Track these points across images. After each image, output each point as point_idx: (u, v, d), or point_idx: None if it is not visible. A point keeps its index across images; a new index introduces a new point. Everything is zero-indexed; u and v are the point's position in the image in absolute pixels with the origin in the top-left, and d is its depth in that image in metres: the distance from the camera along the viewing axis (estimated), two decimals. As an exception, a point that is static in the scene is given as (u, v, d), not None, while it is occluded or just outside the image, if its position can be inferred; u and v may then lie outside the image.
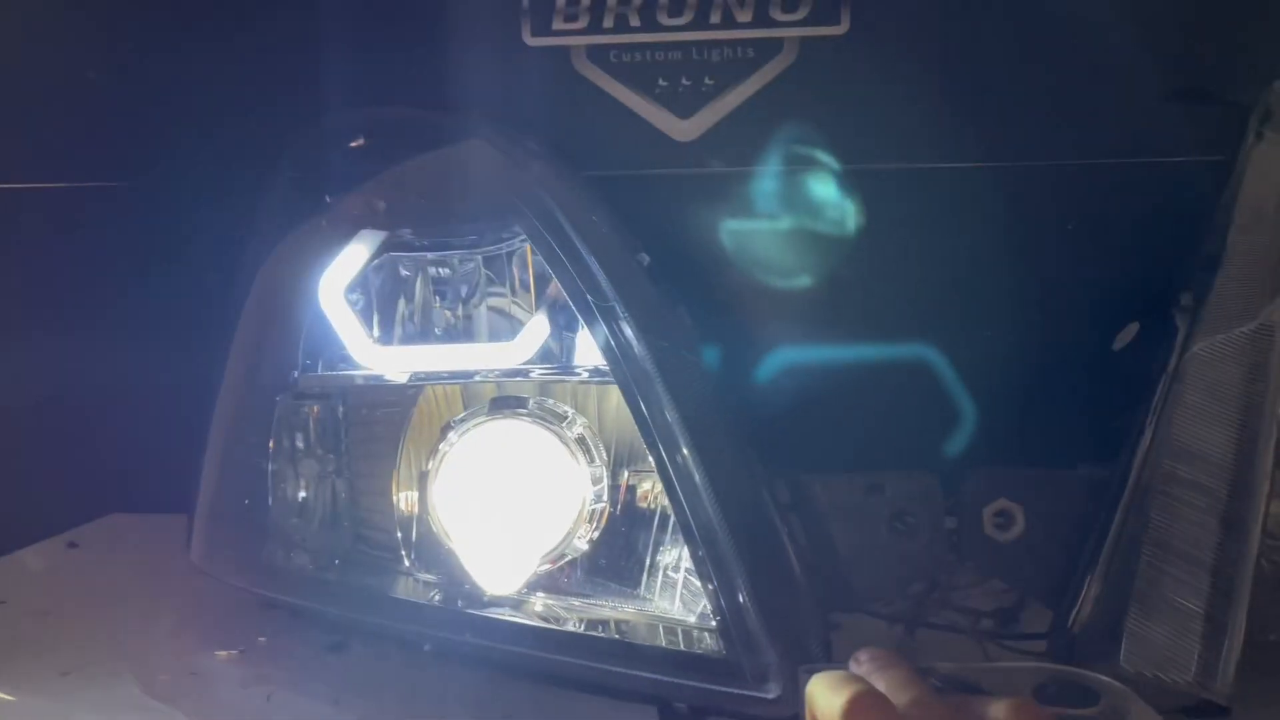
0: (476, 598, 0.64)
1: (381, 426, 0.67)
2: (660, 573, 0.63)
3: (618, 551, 0.63)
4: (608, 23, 1.14)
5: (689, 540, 0.57)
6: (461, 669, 0.67)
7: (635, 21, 1.13)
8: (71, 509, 1.11)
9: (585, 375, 0.64)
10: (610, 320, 0.60)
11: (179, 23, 1.08)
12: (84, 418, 1.15)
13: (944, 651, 0.64)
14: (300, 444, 0.70)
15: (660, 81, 1.14)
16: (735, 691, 0.55)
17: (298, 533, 0.70)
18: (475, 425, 0.62)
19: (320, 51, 1.12)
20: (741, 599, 0.55)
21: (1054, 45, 1.02)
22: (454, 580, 0.65)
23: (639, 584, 0.63)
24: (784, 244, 1.11)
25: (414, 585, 0.66)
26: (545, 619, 0.61)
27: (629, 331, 0.59)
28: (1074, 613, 0.59)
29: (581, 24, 1.14)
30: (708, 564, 0.56)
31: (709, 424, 0.59)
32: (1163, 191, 0.86)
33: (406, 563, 0.66)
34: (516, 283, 0.73)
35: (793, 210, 1.12)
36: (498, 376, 0.66)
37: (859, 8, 1.09)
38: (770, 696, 0.55)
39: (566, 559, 0.64)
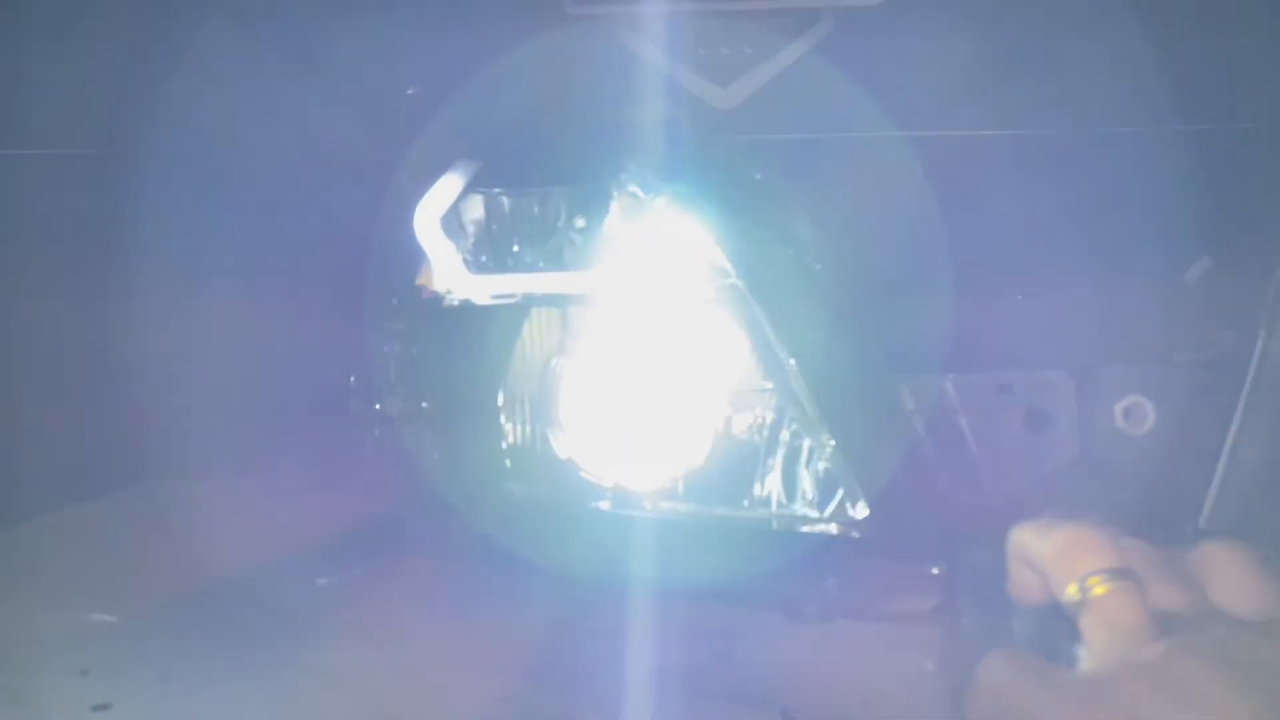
0: (597, 502, 0.64)
1: (485, 351, 0.67)
2: (780, 476, 0.64)
3: (739, 458, 0.64)
4: (649, -9, 1.15)
5: (834, 434, 0.57)
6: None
7: (676, -10, 1.15)
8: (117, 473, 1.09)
9: (708, 292, 0.64)
10: (738, 231, 0.61)
11: None
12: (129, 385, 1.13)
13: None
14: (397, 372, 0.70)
15: (700, 50, 1.16)
16: (895, 570, 0.56)
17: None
18: (593, 343, 0.62)
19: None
20: (896, 481, 0.56)
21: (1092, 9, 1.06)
22: (572, 491, 0.65)
23: (762, 487, 0.64)
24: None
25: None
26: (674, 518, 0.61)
27: (759, 238, 0.60)
28: (1201, 506, 0.61)
29: (623, -7, 1.16)
30: (856, 453, 0.56)
31: (841, 324, 0.60)
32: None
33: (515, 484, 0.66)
34: (610, 214, 0.73)
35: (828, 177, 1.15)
36: (604, 299, 0.67)
37: (893, -20, 1.12)
38: (934, 572, 0.56)
39: (691, 468, 0.64)
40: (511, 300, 0.68)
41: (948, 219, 0.92)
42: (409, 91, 0.76)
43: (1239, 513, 0.58)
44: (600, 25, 1.16)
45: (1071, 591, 0.49)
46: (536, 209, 0.74)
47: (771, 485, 0.64)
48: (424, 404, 0.71)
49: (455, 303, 0.69)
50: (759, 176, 0.65)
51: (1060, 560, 0.50)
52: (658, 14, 1.17)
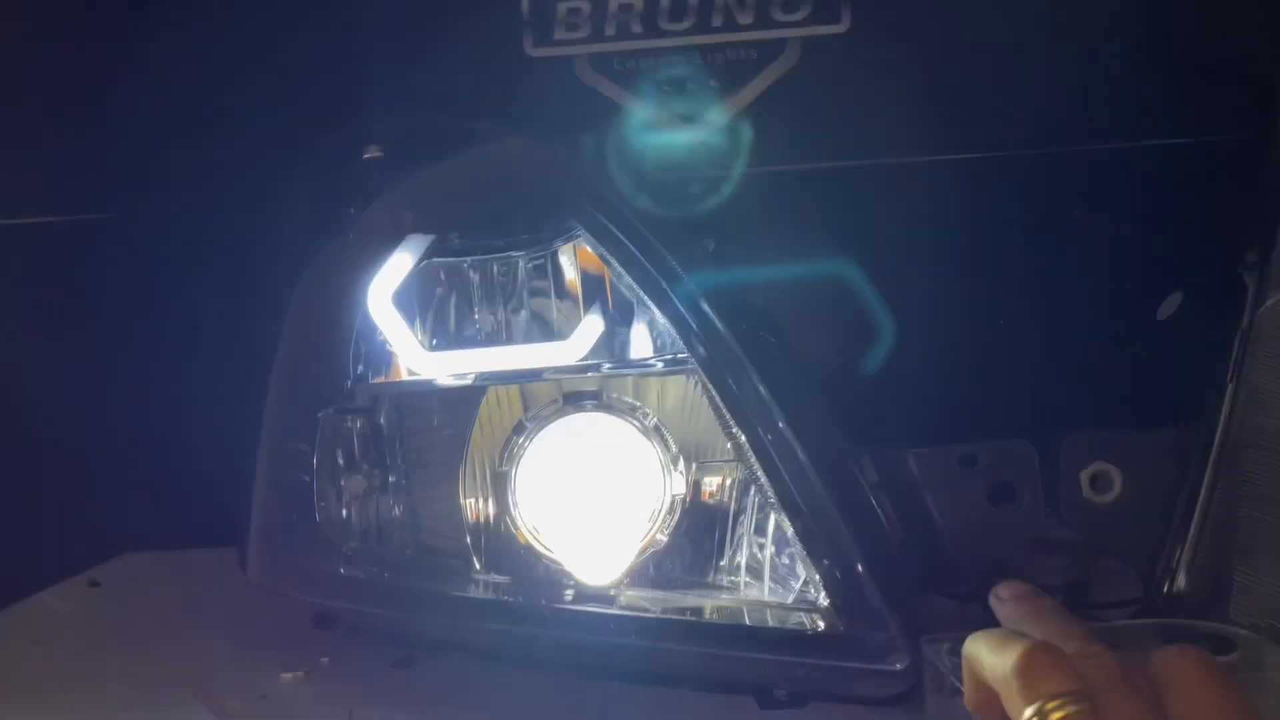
0: (560, 595, 0.63)
1: (443, 432, 0.65)
2: (744, 558, 0.62)
3: (699, 539, 0.62)
4: (610, 30, 1.14)
5: (794, 517, 0.56)
6: (534, 674, 0.65)
7: (637, 28, 1.13)
8: (84, 549, 1.08)
9: (660, 366, 0.63)
10: (688, 303, 0.59)
11: (179, 33, 1.07)
12: (91, 457, 1.12)
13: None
14: (355, 455, 0.68)
15: (665, 87, 1.14)
16: (858, 667, 0.54)
17: (358, 543, 0.68)
18: (552, 420, 0.60)
19: (320, 66, 1.11)
20: (860, 570, 0.54)
21: (1062, 30, 1.04)
22: (534, 580, 0.63)
23: (723, 571, 0.62)
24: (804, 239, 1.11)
25: (489, 587, 0.65)
26: (638, 609, 0.60)
27: (709, 312, 0.58)
28: (1171, 572, 0.58)
29: (584, 33, 1.14)
30: (818, 539, 0.55)
31: (797, 399, 0.58)
32: (1186, 171, 0.87)
33: (478, 566, 0.64)
34: (565, 282, 0.72)
35: (808, 207, 1.13)
36: (563, 373, 0.65)
37: (859, 5, 1.10)
38: (897, 668, 0.54)
39: (652, 550, 0.62)
40: (467, 381, 0.66)
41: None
42: (366, 155, 0.75)
43: (1210, 578, 0.56)
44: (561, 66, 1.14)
45: (1029, 716, 0.47)
46: (492, 278, 0.73)
47: (735, 569, 0.62)
48: (389, 480, 0.69)
49: (414, 382, 0.67)
50: (711, 247, 0.63)
51: (1016, 681, 0.48)
52: (620, 51, 1.16)
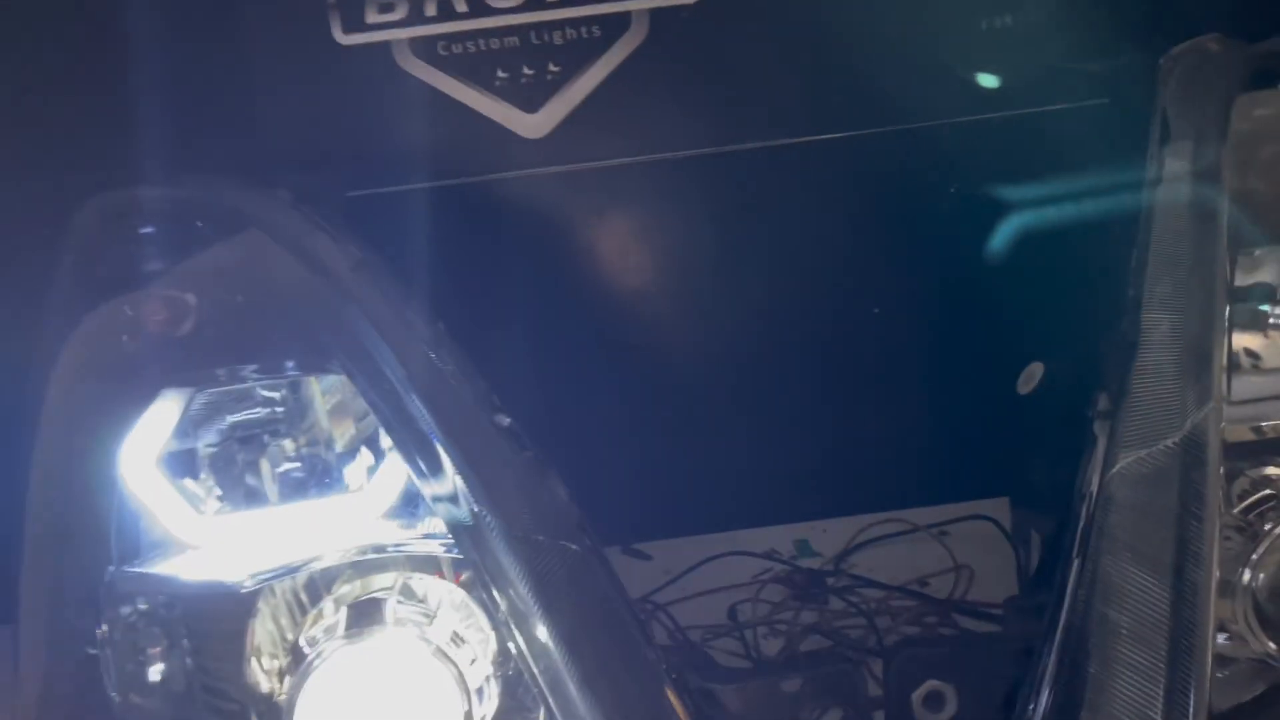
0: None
1: (220, 637, 0.57)
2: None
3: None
4: (430, 10, 1.01)
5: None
6: None
7: (462, 7, 1.00)
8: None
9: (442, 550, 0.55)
10: (455, 512, 0.50)
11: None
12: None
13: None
14: (129, 649, 0.60)
15: (499, 73, 1.02)
16: None
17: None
18: (331, 651, 0.52)
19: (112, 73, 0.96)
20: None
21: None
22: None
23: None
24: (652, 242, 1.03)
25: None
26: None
27: (486, 529, 0.50)
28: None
29: (400, 14, 1.01)
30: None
31: (604, 618, 0.51)
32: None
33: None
34: (339, 423, 0.63)
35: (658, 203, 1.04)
36: (343, 560, 0.57)
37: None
38: None
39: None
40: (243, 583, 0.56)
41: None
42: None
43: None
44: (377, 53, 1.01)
45: None
46: (263, 417, 0.63)
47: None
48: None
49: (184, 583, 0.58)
50: (507, 421, 0.54)
51: None
52: (445, 34, 1.03)
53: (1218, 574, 0.50)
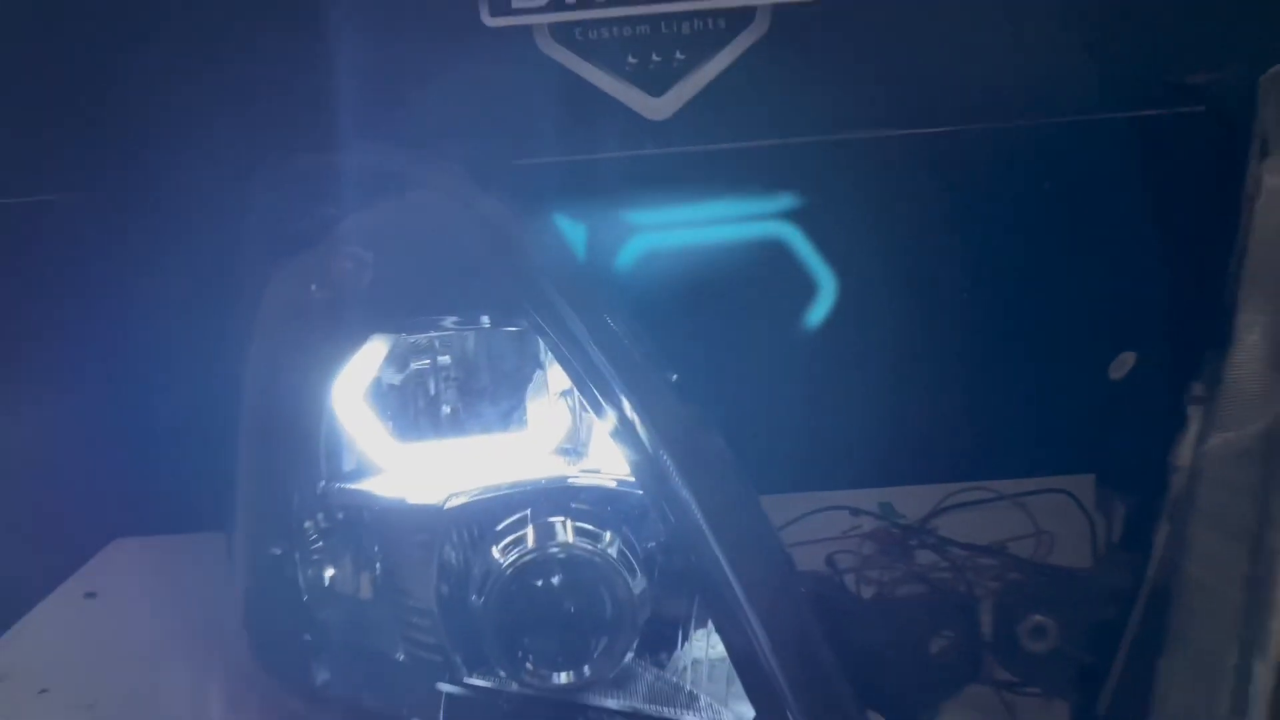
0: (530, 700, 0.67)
1: (414, 548, 0.68)
2: (702, 675, 0.66)
3: (660, 657, 0.66)
4: (571, -1, 1.09)
5: (738, 661, 0.59)
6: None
7: (600, -4, 1.08)
8: (76, 536, 1.13)
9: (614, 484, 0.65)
10: (638, 448, 0.60)
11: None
12: (82, 448, 1.15)
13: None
14: (336, 555, 0.71)
15: (630, 58, 1.10)
16: None
17: (340, 635, 0.72)
18: (521, 562, 0.62)
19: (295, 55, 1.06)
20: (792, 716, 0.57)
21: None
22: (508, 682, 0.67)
23: (680, 690, 0.66)
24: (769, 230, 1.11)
25: (467, 694, 0.69)
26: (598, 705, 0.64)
27: (664, 458, 0.60)
28: (1102, 706, 0.63)
29: (543, 1, 1.09)
30: (757, 682, 0.58)
31: (747, 538, 0.60)
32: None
33: (459, 662, 0.68)
34: (521, 369, 0.73)
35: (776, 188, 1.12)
36: (530, 488, 0.67)
37: (832, -28, 1.06)
38: None
39: (611, 668, 0.66)
40: (438, 500, 0.67)
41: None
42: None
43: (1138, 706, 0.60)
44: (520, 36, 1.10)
45: None
46: (450, 364, 0.73)
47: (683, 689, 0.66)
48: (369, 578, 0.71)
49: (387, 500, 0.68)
50: (674, 377, 0.63)
51: None
52: (582, 21, 1.11)
53: None
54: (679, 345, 0.76)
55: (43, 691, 0.87)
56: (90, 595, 1.03)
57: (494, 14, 1.09)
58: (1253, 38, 0.96)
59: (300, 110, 1.04)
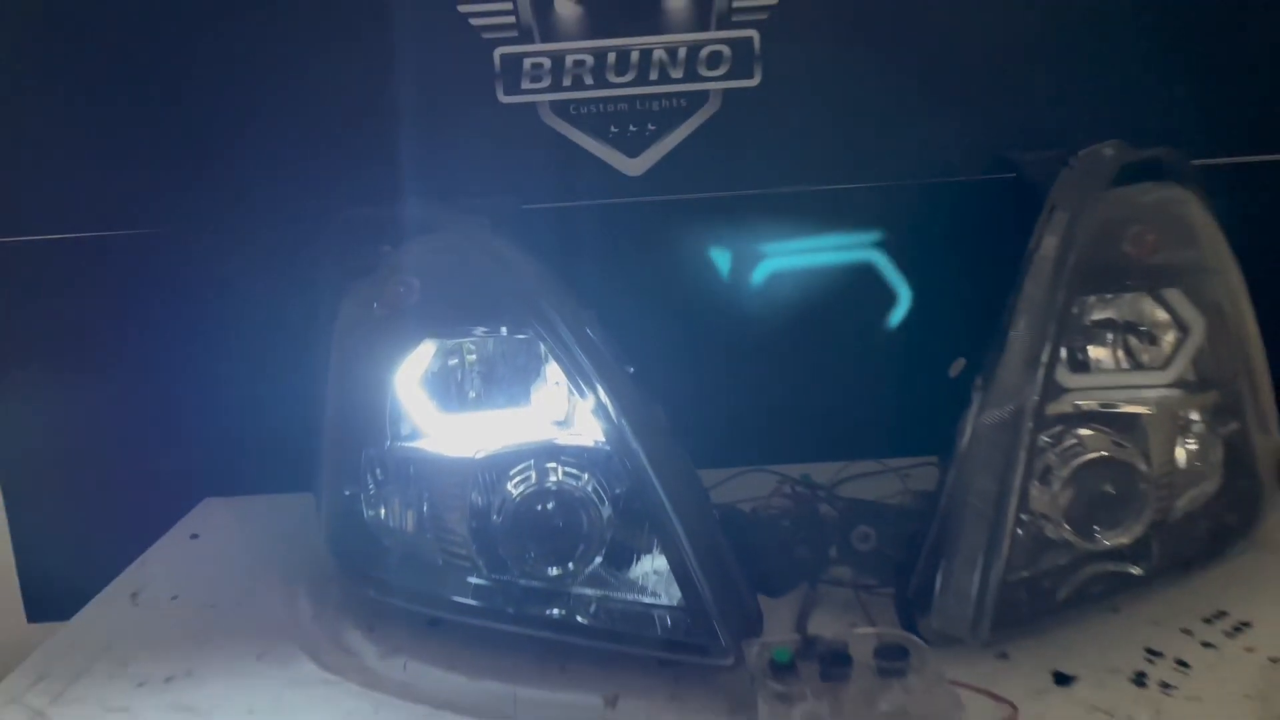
0: (529, 597, 0.98)
1: (454, 487, 0.99)
2: (649, 574, 0.97)
3: (625, 551, 0.96)
4: (567, 82, 1.39)
5: (671, 561, 0.90)
6: (517, 636, 0.99)
7: (589, 80, 1.39)
8: (170, 496, 1.43)
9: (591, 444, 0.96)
10: (606, 415, 0.91)
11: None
12: (172, 419, 1.44)
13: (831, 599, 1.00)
14: (392, 487, 1.02)
15: (612, 128, 1.40)
16: (707, 661, 0.89)
17: (401, 548, 1.04)
18: (527, 492, 0.93)
19: (330, 123, 1.38)
20: (705, 596, 0.87)
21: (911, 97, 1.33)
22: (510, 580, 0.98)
23: (634, 583, 0.96)
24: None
25: (487, 588, 0.99)
26: (573, 607, 0.95)
27: (620, 423, 0.91)
28: (908, 589, 0.94)
29: (545, 84, 1.39)
30: (683, 574, 0.88)
31: (679, 479, 0.91)
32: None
33: (482, 565, 0.98)
34: (531, 364, 1.04)
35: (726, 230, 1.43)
36: (533, 446, 0.98)
37: (768, 65, 1.37)
38: (728, 663, 0.89)
39: (587, 566, 0.97)
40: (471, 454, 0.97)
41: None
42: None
43: (925, 599, 0.90)
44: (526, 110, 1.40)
45: None
46: (487, 358, 1.05)
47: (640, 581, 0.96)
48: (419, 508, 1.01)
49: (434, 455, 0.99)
50: (631, 370, 0.93)
51: None
52: (575, 99, 1.41)
53: (1021, 481, 0.90)
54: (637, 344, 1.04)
55: (174, 598, 1.16)
56: (194, 536, 1.33)
57: (506, 94, 1.39)
58: (1062, 125, 1.28)
59: (365, 166, 1.34)
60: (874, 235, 1.36)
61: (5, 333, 1.43)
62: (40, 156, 1.38)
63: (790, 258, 1.38)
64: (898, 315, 1.38)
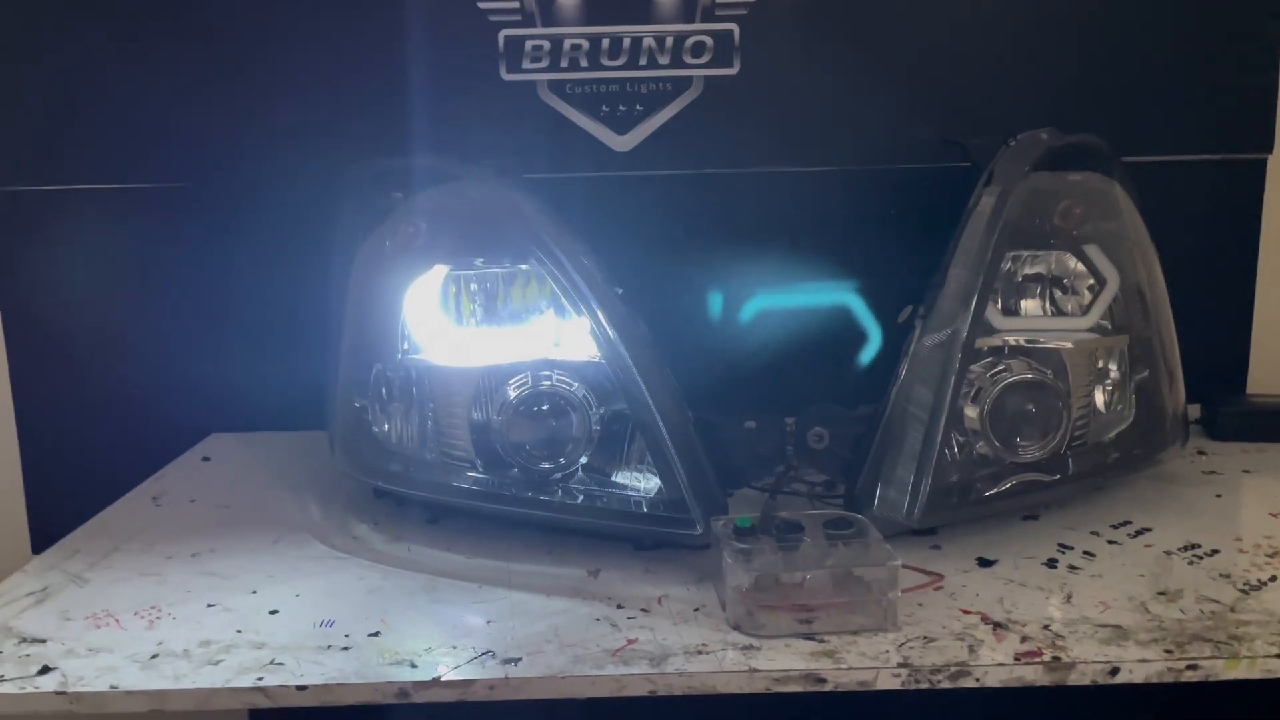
0: (524, 485, 1.10)
1: (456, 385, 1.11)
2: (633, 466, 1.09)
3: (609, 455, 1.09)
4: (564, 63, 1.52)
5: (652, 451, 1.03)
6: (510, 528, 1.12)
7: (584, 63, 1.52)
8: (177, 432, 1.55)
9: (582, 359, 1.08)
10: (599, 329, 1.04)
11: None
12: (179, 358, 1.54)
13: (789, 505, 1.13)
14: (399, 398, 1.15)
15: (603, 107, 1.54)
16: (679, 532, 1.02)
17: (400, 448, 1.16)
18: (523, 394, 1.06)
19: (347, 89, 1.51)
20: (681, 480, 1.00)
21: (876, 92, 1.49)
22: (512, 476, 1.10)
23: (620, 474, 1.09)
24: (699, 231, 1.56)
25: (484, 479, 1.12)
26: (562, 497, 1.07)
27: (611, 335, 1.04)
28: (855, 484, 1.08)
29: (544, 64, 1.52)
30: (663, 462, 1.01)
31: (660, 383, 1.04)
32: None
33: (479, 464, 1.11)
34: (529, 292, 1.17)
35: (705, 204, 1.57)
36: (531, 361, 1.11)
37: (746, 55, 1.52)
38: (698, 533, 1.02)
39: (579, 460, 1.09)
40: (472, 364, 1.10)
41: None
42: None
43: (870, 489, 1.05)
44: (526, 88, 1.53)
45: None
46: (480, 288, 1.18)
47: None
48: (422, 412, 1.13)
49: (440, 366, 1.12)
50: (620, 291, 1.06)
51: None
52: (571, 79, 1.55)
53: (952, 392, 1.04)
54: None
55: (191, 501, 1.28)
56: (206, 459, 1.45)
57: (509, 72, 1.53)
58: (1008, 114, 1.44)
59: (381, 131, 1.48)
60: (834, 210, 1.50)
61: (32, 275, 1.54)
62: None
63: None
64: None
